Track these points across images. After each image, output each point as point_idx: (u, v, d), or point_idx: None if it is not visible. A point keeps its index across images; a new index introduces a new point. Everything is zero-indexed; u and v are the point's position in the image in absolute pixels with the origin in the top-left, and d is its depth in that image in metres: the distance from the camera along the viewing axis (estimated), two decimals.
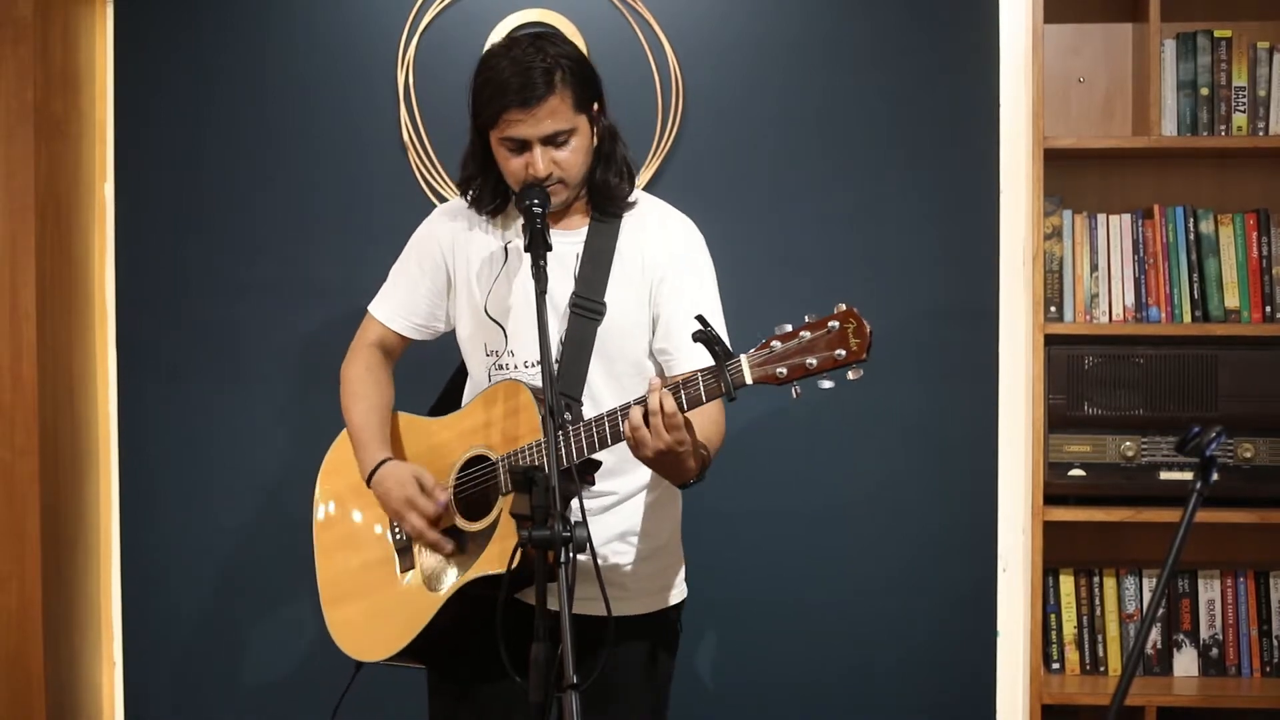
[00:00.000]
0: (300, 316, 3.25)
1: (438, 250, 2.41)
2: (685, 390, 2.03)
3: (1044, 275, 3.04)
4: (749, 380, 1.98)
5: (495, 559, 2.22)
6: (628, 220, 2.33)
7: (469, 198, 2.36)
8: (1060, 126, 3.15)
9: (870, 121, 3.17)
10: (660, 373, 2.36)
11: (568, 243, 2.30)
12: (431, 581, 2.31)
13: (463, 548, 2.28)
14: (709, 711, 3.22)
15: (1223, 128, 3.05)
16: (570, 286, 2.29)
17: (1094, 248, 3.10)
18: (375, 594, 2.38)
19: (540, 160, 2.20)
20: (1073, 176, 3.15)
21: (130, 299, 3.32)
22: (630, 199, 2.34)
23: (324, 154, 3.25)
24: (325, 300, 3.23)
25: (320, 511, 2.50)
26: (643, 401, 2.04)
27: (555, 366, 2.27)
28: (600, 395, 2.30)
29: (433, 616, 2.28)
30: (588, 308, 2.26)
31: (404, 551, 2.36)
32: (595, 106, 2.27)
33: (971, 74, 3.15)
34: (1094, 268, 3.10)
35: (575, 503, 2.04)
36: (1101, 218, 3.10)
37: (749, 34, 3.18)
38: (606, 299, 2.28)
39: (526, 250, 2.17)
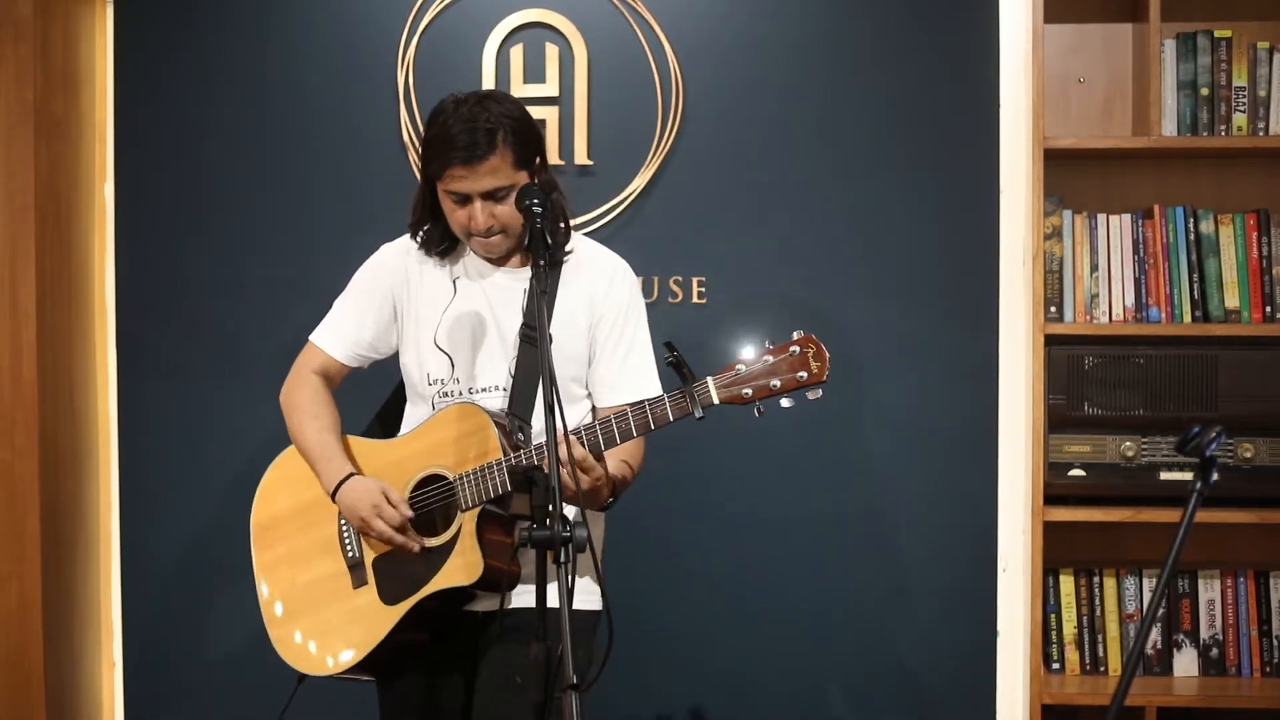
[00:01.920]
0: (300, 316, 3.23)
1: (386, 284, 2.50)
2: (652, 410, 2.18)
3: (1044, 275, 3.04)
4: (715, 400, 2.16)
5: (457, 572, 2.30)
6: (569, 264, 2.43)
7: (419, 240, 2.46)
8: (1060, 126, 3.15)
9: (870, 121, 3.17)
10: (592, 404, 2.46)
11: (516, 280, 2.41)
12: (388, 595, 2.37)
13: (419, 563, 2.34)
14: (709, 712, 3.22)
15: (1223, 128, 3.05)
16: (519, 319, 2.39)
17: (1094, 248, 3.10)
18: (326, 609, 2.43)
19: (480, 214, 2.31)
20: (1073, 176, 3.15)
21: (130, 299, 3.32)
22: (568, 248, 2.43)
23: (324, 154, 3.26)
24: (325, 300, 3.22)
25: (258, 536, 2.53)
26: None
27: (499, 391, 2.38)
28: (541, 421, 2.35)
29: (392, 628, 2.35)
30: (535, 338, 2.34)
31: (356, 567, 2.42)
32: (536, 162, 2.37)
33: (971, 74, 3.15)
34: (1094, 268, 3.10)
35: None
36: (1101, 218, 3.10)
37: (749, 34, 3.18)
38: (552, 330, 2.35)
39: (527, 249, 2.23)
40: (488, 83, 3.18)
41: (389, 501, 2.33)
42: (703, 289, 3.19)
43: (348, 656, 2.39)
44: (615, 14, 3.19)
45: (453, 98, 2.34)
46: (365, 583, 2.40)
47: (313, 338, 2.57)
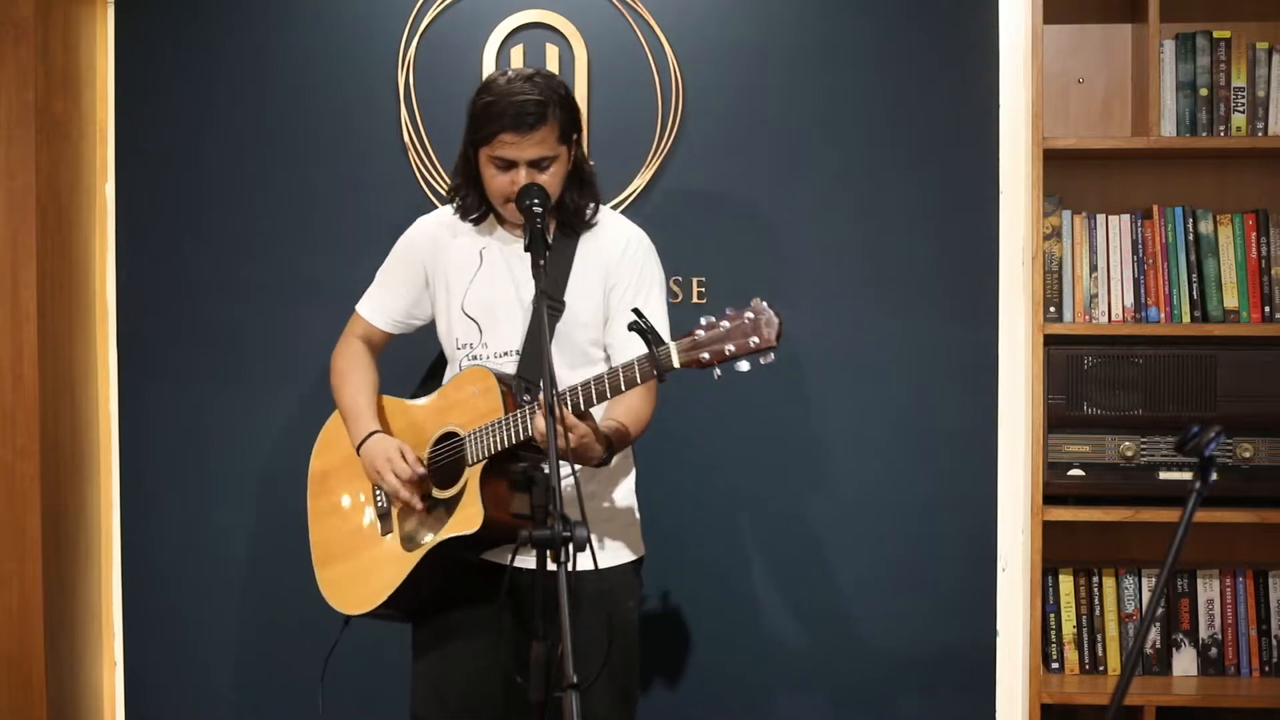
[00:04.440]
0: (300, 316, 3.25)
1: (418, 256, 2.67)
2: (623, 373, 2.29)
3: (1044, 275, 3.04)
4: (676, 364, 2.26)
5: (461, 523, 2.45)
6: (588, 233, 2.60)
7: (455, 205, 2.62)
8: (1059, 127, 3.15)
9: (870, 121, 3.17)
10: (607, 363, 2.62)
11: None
12: (407, 542, 2.55)
13: (434, 514, 2.52)
14: (708, 711, 3.22)
15: (1222, 128, 3.06)
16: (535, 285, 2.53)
17: (1093, 248, 3.10)
18: (360, 554, 2.63)
19: (524, 179, 2.45)
20: (1072, 177, 3.15)
21: (130, 299, 3.32)
22: (592, 220, 2.60)
23: (324, 154, 3.26)
24: (325, 300, 3.23)
25: (312, 484, 2.77)
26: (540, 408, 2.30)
27: (517, 356, 2.54)
28: (559, 380, 2.49)
29: (409, 573, 2.52)
30: (549, 305, 2.47)
31: (384, 516, 2.62)
32: (575, 137, 2.54)
33: (971, 74, 3.15)
34: (1093, 268, 3.10)
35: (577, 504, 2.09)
36: (1101, 218, 3.11)
37: (749, 34, 3.18)
38: (566, 297, 2.54)
39: (526, 250, 2.31)
40: None
41: (403, 458, 2.51)
42: (703, 289, 3.20)
43: (375, 598, 2.56)
44: (615, 14, 3.19)
45: (501, 72, 2.53)
46: (391, 531, 2.60)
47: (357, 306, 2.76)
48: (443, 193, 3.19)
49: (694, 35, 3.18)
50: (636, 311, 2.23)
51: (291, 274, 3.27)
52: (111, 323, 3.33)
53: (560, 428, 2.26)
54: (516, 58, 3.19)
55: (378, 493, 2.63)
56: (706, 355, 2.23)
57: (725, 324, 2.23)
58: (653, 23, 3.18)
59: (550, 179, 2.48)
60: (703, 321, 2.26)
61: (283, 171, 3.27)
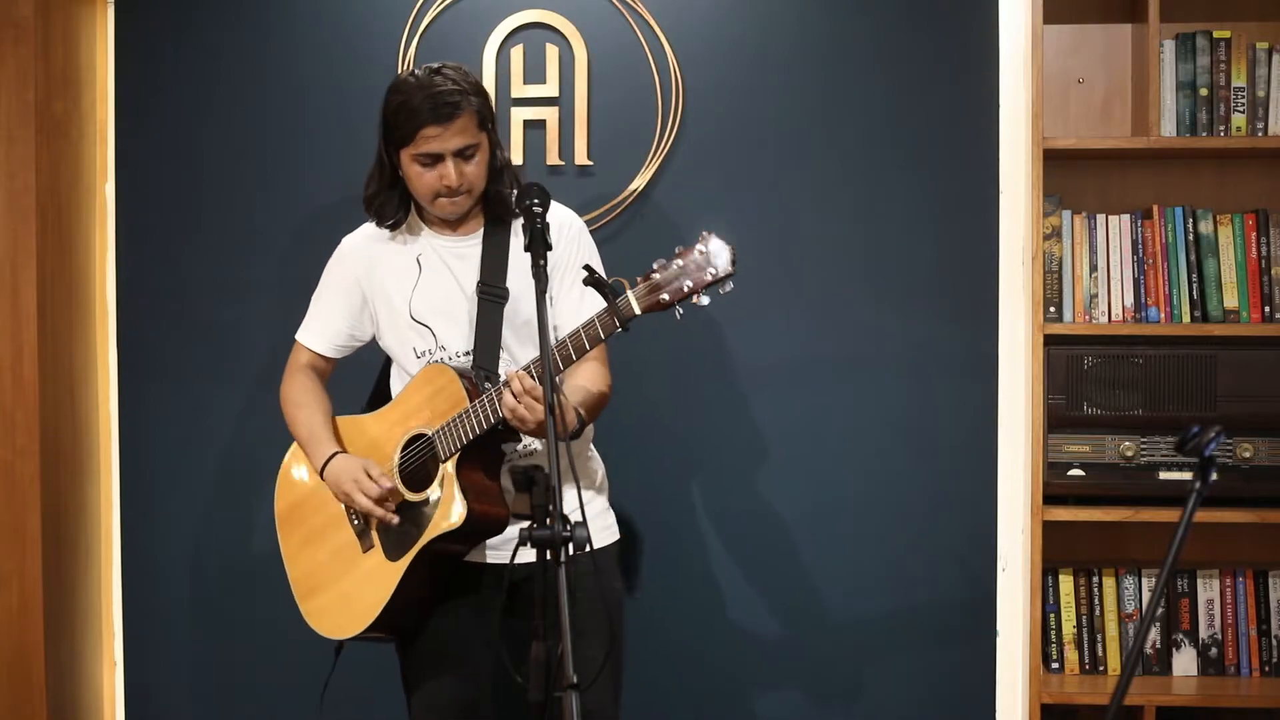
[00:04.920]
0: (300, 316, 3.24)
1: (350, 276, 2.67)
2: (585, 331, 2.29)
3: (1043, 275, 3.04)
4: (637, 310, 2.25)
5: (444, 519, 2.43)
6: (517, 220, 2.54)
7: (373, 212, 2.62)
8: (1059, 127, 3.15)
9: (870, 121, 3.17)
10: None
11: (469, 245, 2.58)
12: (391, 553, 2.50)
13: (414, 518, 2.48)
14: (706, 708, 3.22)
15: (1222, 128, 3.06)
16: (476, 277, 2.55)
17: (1093, 248, 3.10)
18: (344, 577, 2.58)
19: (453, 171, 2.46)
20: (1072, 177, 3.15)
21: (130, 299, 3.32)
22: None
23: (323, 154, 3.26)
24: None
25: (281, 525, 2.71)
26: (507, 385, 2.31)
27: (471, 348, 2.51)
28: (516, 364, 2.52)
29: (398, 583, 2.47)
30: (492, 293, 2.52)
31: (363, 533, 2.57)
32: (491, 126, 2.54)
33: (971, 74, 3.15)
34: (1093, 268, 3.10)
35: (575, 502, 2.08)
36: (1101, 218, 3.11)
37: (749, 34, 3.18)
38: (507, 284, 2.53)
39: (526, 250, 2.28)
40: (488, 83, 3.18)
41: (369, 476, 2.48)
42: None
43: (366, 617, 2.51)
44: (615, 14, 3.19)
45: (407, 72, 2.52)
46: (372, 546, 2.55)
47: (297, 335, 2.75)
48: None
49: (694, 35, 3.18)
50: (588, 268, 2.23)
51: (291, 274, 3.26)
52: (111, 323, 3.33)
53: (533, 400, 2.27)
54: (516, 58, 3.19)
55: (351, 511, 2.58)
56: (666, 296, 2.22)
57: (679, 262, 2.22)
58: (653, 23, 3.18)
59: (477, 168, 2.48)
60: (655, 264, 2.24)
61: (282, 171, 3.28)
